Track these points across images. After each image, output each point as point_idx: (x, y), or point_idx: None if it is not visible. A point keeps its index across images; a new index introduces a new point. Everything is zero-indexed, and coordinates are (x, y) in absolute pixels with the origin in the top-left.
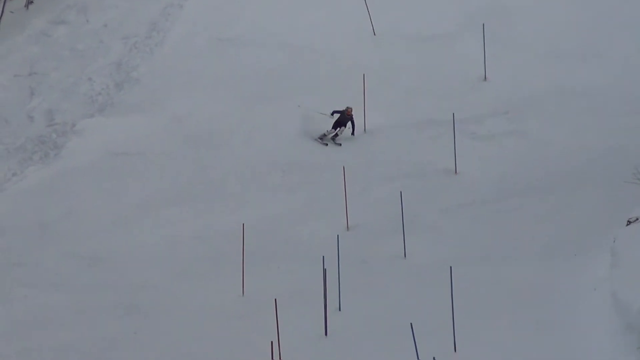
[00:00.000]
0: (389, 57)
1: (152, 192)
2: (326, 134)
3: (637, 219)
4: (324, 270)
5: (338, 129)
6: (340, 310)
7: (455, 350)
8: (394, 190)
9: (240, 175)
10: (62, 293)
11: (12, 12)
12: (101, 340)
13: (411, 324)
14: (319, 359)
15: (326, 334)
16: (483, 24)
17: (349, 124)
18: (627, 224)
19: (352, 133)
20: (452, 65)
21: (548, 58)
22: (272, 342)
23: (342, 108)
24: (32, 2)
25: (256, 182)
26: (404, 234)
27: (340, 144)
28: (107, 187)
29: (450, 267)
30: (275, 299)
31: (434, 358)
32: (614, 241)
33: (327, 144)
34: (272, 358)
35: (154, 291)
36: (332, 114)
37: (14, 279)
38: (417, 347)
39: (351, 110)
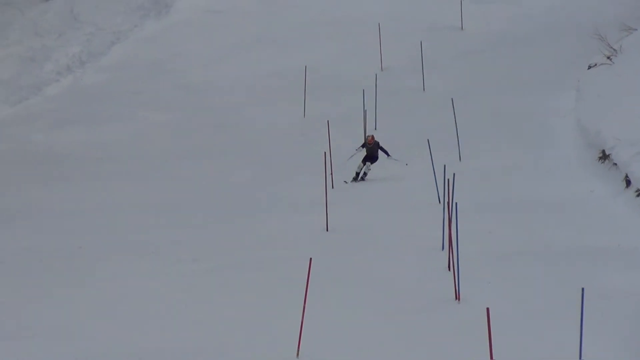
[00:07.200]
0: None
1: (237, 40)
2: (359, 172)
3: (596, 64)
4: (364, 100)
5: (367, 163)
6: (375, 129)
7: (460, 160)
8: (416, 41)
9: (303, 28)
10: (169, 114)
11: None
12: (194, 148)
13: (428, 140)
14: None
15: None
16: None
17: (380, 153)
18: (588, 68)
19: (388, 155)
20: None
21: None
22: (325, 152)
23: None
24: None
25: (314, 32)
26: (423, 73)
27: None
28: (204, 36)
29: (452, 99)
30: (328, 120)
31: (444, 165)
32: (578, 81)
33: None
34: (325, 164)
35: (237, 112)
36: (358, 150)
37: (135, 104)
38: (432, 157)
39: (372, 138)
